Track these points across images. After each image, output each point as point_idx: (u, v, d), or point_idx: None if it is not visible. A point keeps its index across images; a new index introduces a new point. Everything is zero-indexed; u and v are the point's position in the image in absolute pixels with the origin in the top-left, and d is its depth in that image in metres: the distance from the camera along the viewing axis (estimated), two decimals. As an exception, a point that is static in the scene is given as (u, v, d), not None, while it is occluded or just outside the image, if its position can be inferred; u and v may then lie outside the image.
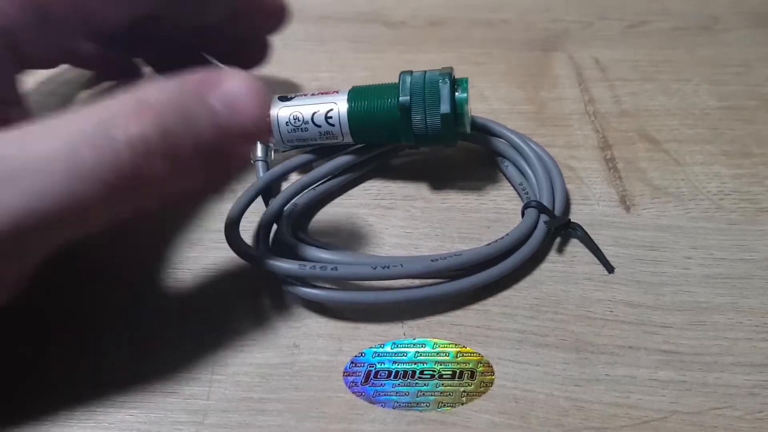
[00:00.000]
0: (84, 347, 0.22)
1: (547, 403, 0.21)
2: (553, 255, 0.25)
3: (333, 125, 0.25)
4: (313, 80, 0.33)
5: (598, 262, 0.25)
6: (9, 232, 0.15)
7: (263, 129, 0.19)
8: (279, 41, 0.29)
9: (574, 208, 0.27)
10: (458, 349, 0.22)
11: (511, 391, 0.21)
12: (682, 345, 0.22)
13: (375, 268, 0.22)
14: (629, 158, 0.29)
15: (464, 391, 0.21)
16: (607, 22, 0.38)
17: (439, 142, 0.26)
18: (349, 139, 0.26)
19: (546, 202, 0.26)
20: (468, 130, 0.26)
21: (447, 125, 0.25)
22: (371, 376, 0.21)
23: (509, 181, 0.28)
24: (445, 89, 0.24)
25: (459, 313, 0.23)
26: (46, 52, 0.18)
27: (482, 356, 0.22)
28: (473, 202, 0.27)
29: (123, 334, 0.23)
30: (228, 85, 0.18)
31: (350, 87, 0.26)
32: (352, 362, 0.22)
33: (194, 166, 0.17)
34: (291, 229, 0.25)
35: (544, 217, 0.25)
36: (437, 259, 0.23)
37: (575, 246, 0.25)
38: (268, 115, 0.22)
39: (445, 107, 0.24)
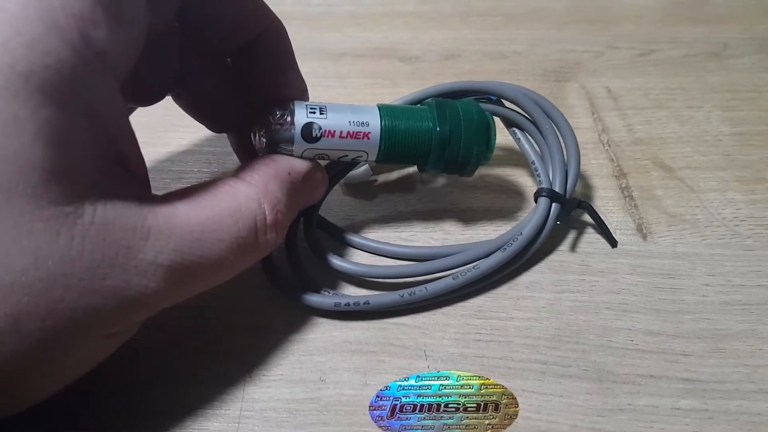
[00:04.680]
0: (112, 383, 0.23)
1: (571, 434, 0.21)
2: (573, 285, 0.25)
3: (360, 162, 0.25)
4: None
5: (618, 291, 0.25)
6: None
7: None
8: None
9: (591, 236, 0.27)
10: (482, 382, 0.22)
11: (535, 423, 0.21)
12: (703, 373, 0.23)
13: (402, 296, 0.24)
14: (644, 186, 0.30)
15: (489, 424, 0.21)
16: (618, 51, 0.38)
17: (462, 172, 0.25)
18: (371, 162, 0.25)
19: (559, 183, 0.26)
20: (489, 161, 0.25)
21: (479, 161, 0.24)
22: (397, 410, 0.22)
23: (524, 156, 0.28)
24: (488, 127, 0.24)
25: (481, 345, 0.24)
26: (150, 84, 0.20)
27: (506, 388, 0.22)
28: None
29: (151, 370, 0.23)
30: (311, 179, 0.23)
31: (378, 116, 0.23)
32: (377, 396, 0.22)
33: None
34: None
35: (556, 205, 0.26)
36: (458, 276, 0.24)
37: (594, 275, 0.26)
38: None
39: (481, 147, 0.24)
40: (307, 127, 0.22)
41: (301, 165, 0.22)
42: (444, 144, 0.24)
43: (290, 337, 0.24)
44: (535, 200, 0.26)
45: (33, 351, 0.16)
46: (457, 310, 0.25)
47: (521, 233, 0.25)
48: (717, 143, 0.32)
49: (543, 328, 0.24)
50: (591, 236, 0.27)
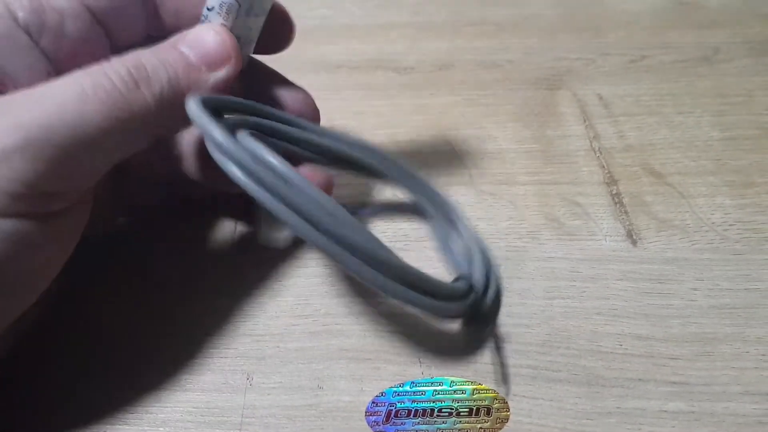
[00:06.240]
0: (114, 390, 0.24)
1: (560, 437, 0.22)
2: (564, 291, 0.26)
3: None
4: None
5: (608, 297, 0.26)
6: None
7: (228, 59, 0.23)
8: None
9: (581, 244, 0.28)
10: (474, 387, 0.23)
11: (526, 426, 0.22)
12: (691, 376, 0.23)
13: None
14: (634, 193, 0.30)
15: (481, 428, 0.22)
16: (609, 58, 0.39)
17: None
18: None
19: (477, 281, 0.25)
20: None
21: None
22: (392, 415, 0.22)
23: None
24: None
25: (474, 351, 0.24)
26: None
27: (497, 393, 0.23)
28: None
29: (153, 377, 0.24)
30: (192, 33, 0.22)
31: None
32: (373, 402, 0.23)
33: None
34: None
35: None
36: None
37: (584, 282, 0.26)
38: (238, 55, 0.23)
39: None
40: None
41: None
42: None
43: (289, 346, 0.25)
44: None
45: None
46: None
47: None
48: (707, 148, 0.32)
49: (534, 334, 0.25)
50: (581, 243, 0.28)
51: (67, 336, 0.25)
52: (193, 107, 0.21)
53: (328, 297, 0.26)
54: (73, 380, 0.24)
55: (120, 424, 0.23)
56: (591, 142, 0.33)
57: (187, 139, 0.26)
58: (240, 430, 0.22)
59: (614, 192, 0.30)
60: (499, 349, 0.24)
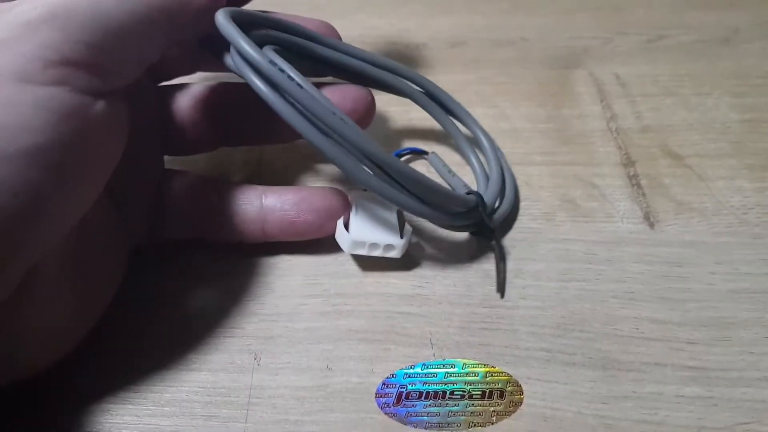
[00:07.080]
0: (119, 368, 0.23)
1: (575, 422, 0.21)
2: (579, 273, 0.25)
3: None
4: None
5: (624, 280, 0.25)
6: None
7: None
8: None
9: (598, 225, 0.27)
10: (487, 369, 0.23)
11: (540, 410, 0.22)
12: (708, 361, 0.23)
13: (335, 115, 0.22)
14: (652, 174, 0.29)
15: (494, 411, 0.22)
16: (627, 37, 0.38)
17: None
18: None
19: (489, 197, 0.26)
20: None
21: None
22: (403, 397, 0.22)
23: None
24: None
25: (487, 333, 0.24)
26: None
27: (511, 376, 0.22)
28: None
29: (159, 356, 0.24)
30: None
31: None
32: (383, 383, 0.22)
33: None
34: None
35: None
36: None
37: (600, 264, 0.26)
38: None
39: None
40: None
41: None
42: None
43: (297, 326, 0.24)
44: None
45: None
46: (462, 299, 0.25)
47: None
48: (726, 130, 0.32)
49: (548, 317, 0.24)
50: (597, 225, 0.27)
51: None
52: (221, 19, 0.22)
53: (338, 277, 0.26)
54: (76, 361, 0.23)
55: (124, 404, 0.22)
56: (608, 122, 0.32)
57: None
58: (247, 410, 0.22)
59: (631, 173, 0.30)
60: (500, 259, 0.25)
